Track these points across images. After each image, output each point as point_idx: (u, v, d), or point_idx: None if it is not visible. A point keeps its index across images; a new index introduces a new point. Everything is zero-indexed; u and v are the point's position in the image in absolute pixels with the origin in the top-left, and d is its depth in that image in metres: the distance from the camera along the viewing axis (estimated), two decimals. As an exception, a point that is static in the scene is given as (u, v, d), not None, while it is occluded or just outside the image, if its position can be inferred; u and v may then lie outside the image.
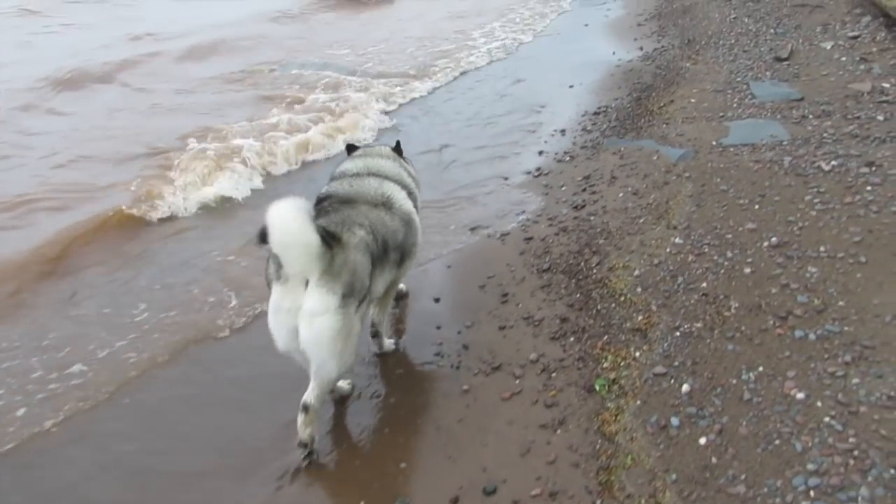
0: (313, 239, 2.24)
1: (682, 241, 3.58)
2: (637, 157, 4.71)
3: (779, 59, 6.03)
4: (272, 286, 2.44)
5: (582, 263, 3.61)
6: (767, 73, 5.81)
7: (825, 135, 4.49)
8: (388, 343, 3.22)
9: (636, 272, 3.42)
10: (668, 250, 3.54)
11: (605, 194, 4.30)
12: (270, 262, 2.45)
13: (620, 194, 4.24)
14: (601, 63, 6.99)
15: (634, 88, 6.10)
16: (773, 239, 3.42)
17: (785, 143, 4.49)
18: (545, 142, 5.39)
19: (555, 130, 5.54)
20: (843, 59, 5.76)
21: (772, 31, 6.91)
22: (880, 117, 4.59)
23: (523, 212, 4.35)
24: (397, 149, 3.25)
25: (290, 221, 2.20)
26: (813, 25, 6.80)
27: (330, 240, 2.34)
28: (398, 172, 3.04)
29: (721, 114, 5.18)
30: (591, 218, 4.05)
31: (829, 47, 6.13)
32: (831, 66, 5.68)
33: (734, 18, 7.54)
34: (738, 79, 5.80)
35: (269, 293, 2.46)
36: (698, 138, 4.79)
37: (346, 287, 2.39)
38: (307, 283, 2.36)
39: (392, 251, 2.75)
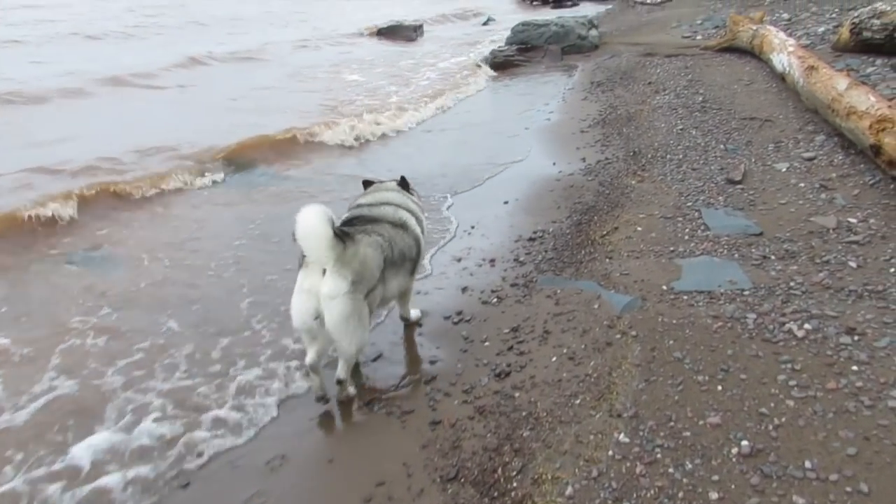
0: (327, 231, 2.84)
1: (628, 440, 2.77)
2: (576, 302, 3.96)
3: (731, 182, 5.47)
4: (298, 272, 3.03)
5: (499, 470, 2.76)
6: (720, 197, 5.22)
7: (792, 283, 3.82)
8: (415, 312, 4.02)
9: (567, 489, 2.58)
10: (610, 453, 2.72)
11: (536, 357, 3.50)
12: (299, 254, 3.01)
13: (554, 358, 3.45)
14: (540, 176, 6.36)
15: (575, 209, 5.43)
16: (744, 443, 2.65)
17: (746, 292, 3.81)
18: (471, 274, 4.62)
19: (483, 259, 4.79)
20: (802, 184, 5.23)
21: (721, 146, 6.42)
22: (852, 263, 3.97)
23: (433, 378, 3.50)
24: (403, 183, 3.88)
25: (310, 218, 2.82)
26: (764, 142, 6.34)
27: (343, 237, 2.95)
28: (406, 202, 3.69)
29: (671, 248, 4.50)
30: (517, 394, 3.22)
31: (784, 169, 5.61)
32: (789, 193, 5.12)
33: (681, 130, 7.07)
34: (689, 203, 5.19)
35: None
36: (646, 280, 4.08)
37: (355, 275, 2.97)
38: (324, 271, 2.93)
39: (407, 261, 3.46)
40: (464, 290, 4.39)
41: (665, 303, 3.81)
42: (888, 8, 8.36)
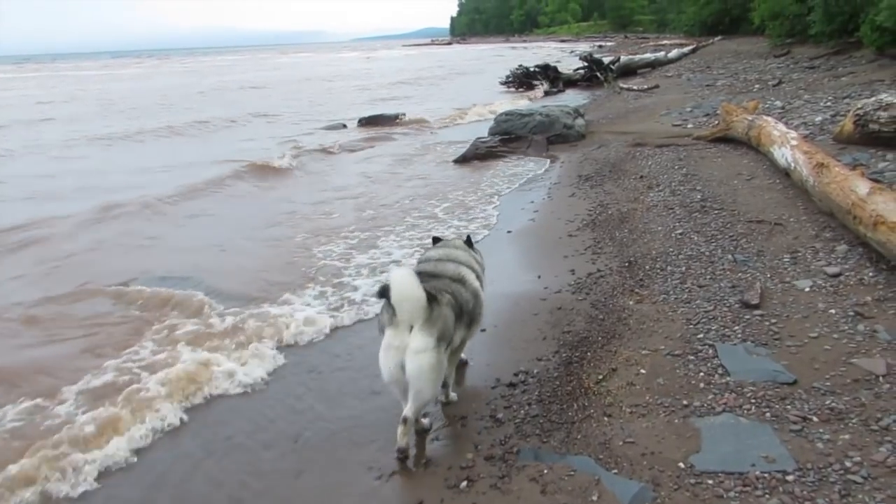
0: (423, 295, 3.21)
1: None
2: (568, 490, 3.04)
3: (748, 306, 4.64)
4: (385, 330, 3.33)
5: None
6: (737, 327, 4.38)
7: (849, 464, 2.94)
8: (453, 395, 3.99)
9: None
10: None
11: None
12: (384, 312, 3.37)
13: None
14: (524, 294, 5.52)
15: (564, 341, 4.57)
16: None
17: (790, 477, 2.92)
18: (437, 439, 3.69)
19: (452, 417, 3.87)
20: (832, 311, 4.40)
21: (729, 256, 5.64)
22: (921, 431, 3.08)
23: None
24: (468, 241, 4.24)
25: (408, 282, 3.21)
26: (778, 252, 5.56)
27: (431, 299, 3.29)
28: (468, 259, 3.99)
29: (685, 401, 3.63)
30: None
31: (807, 289, 4.80)
32: (819, 322, 4.29)
33: (681, 235, 6.31)
34: (700, 335, 4.35)
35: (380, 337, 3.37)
36: (657, 453, 3.19)
37: (440, 332, 3.32)
38: (411, 328, 3.25)
39: (465, 314, 3.64)
40: (426, 464, 3.45)
41: (685, 491, 2.90)
42: (894, 100, 7.79)
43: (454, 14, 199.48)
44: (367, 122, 17.58)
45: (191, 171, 11.73)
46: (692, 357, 4.09)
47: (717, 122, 11.61)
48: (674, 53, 30.68)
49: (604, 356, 4.29)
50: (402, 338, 3.27)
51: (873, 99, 8.18)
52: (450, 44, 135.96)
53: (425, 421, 3.72)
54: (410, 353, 3.24)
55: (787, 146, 7.63)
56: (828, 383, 3.60)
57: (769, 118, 9.27)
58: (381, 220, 8.32)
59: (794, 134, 7.97)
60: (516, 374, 4.20)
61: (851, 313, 4.31)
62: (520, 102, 20.49)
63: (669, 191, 7.99)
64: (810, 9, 21.35)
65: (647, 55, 30.17)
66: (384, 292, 3.23)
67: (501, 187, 9.86)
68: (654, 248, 6.14)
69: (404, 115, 18.08)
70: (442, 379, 3.50)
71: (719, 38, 40.62)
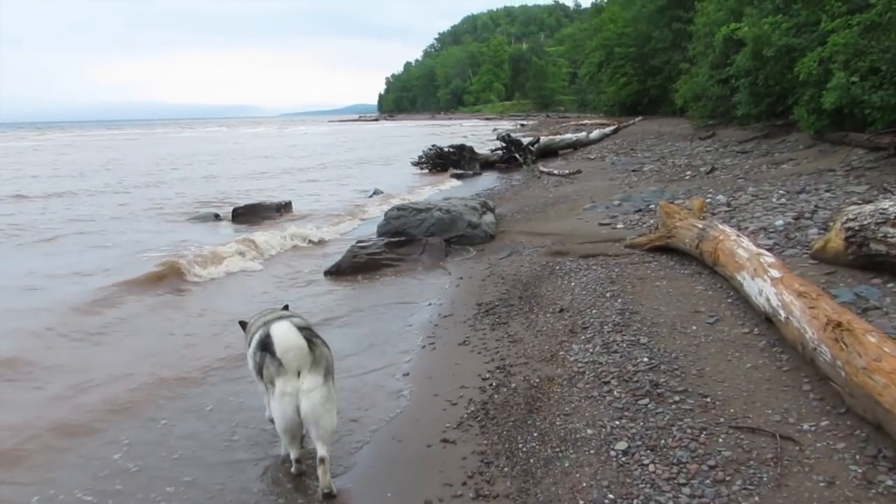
0: (304, 343, 3.52)
1: None
2: None
3: None
4: (275, 381, 3.55)
5: None
6: None
7: None
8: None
9: None
10: None
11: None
12: (269, 365, 3.59)
13: None
14: None
15: None
16: None
17: None
18: None
19: None
20: None
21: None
22: None
23: None
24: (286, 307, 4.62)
25: (289, 334, 3.49)
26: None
27: (310, 342, 3.58)
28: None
29: None
30: None
31: None
32: None
33: (626, 457, 3.69)
34: None
35: (269, 392, 3.65)
36: None
37: (325, 370, 3.64)
38: (299, 373, 3.52)
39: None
40: None
41: None
42: (906, 212, 5.52)
43: (382, 91, 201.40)
44: (242, 211, 14.69)
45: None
46: None
47: (652, 223, 9.32)
48: (595, 134, 29.31)
49: None
50: (293, 384, 3.53)
51: (870, 208, 5.91)
52: (377, 120, 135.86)
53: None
54: (304, 394, 3.51)
55: (764, 278, 5.22)
56: None
57: (726, 227, 6.93)
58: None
59: (770, 258, 5.59)
60: None
61: None
62: (423, 191, 18.11)
63: (601, 342, 5.41)
64: (733, 90, 20.08)
65: (569, 136, 28.68)
66: (267, 346, 3.54)
67: (369, 323, 7.09)
68: (582, 488, 3.44)
69: (288, 203, 15.33)
70: (335, 410, 3.69)
71: (640, 118, 40.04)
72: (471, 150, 23.93)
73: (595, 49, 51.30)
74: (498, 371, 5.22)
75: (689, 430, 3.84)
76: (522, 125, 56.80)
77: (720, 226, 7.02)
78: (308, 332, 3.74)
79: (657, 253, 8.00)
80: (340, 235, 11.85)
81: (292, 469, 3.83)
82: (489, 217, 11.14)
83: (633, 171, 16.67)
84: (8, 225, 13.50)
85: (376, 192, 17.92)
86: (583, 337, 5.65)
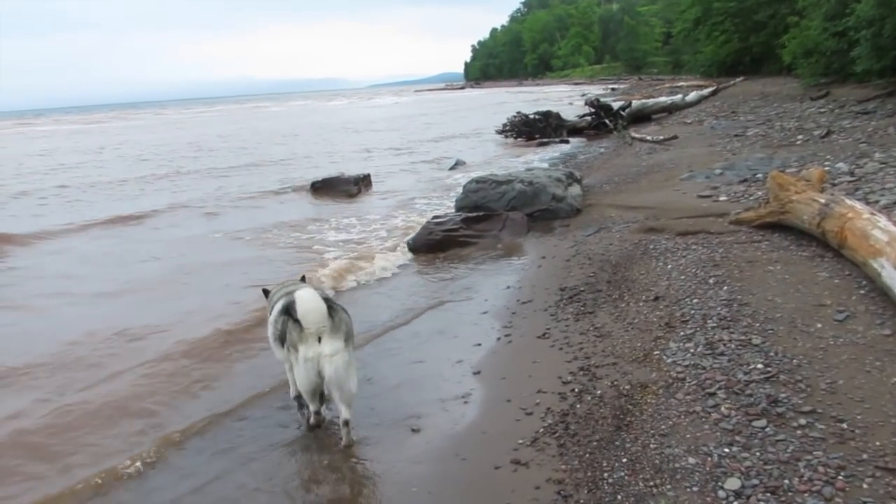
0: (325, 306, 3.66)
1: None
2: None
3: None
4: (297, 347, 3.71)
5: None
6: None
7: None
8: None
9: None
10: None
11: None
12: (291, 331, 3.74)
13: None
14: None
15: None
16: None
17: None
18: None
19: None
20: None
21: None
22: None
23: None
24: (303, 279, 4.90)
25: (310, 296, 3.64)
26: None
27: (330, 308, 3.73)
28: None
29: None
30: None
31: None
32: None
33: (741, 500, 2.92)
34: None
35: (292, 356, 3.79)
36: None
37: (345, 335, 3.77)
38: (320, 339, 3.65)
39: None
40: None
41: None
42: None
43: (468, 59, 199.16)
44: (320, 185, 14.45)
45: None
46: None
47: (761, 195, 8.26)
48: (692, 96, 27.43)
49: None
50: (315, 349, 3.66)
51: None
52: (462, 88, 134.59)
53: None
54: (326, 359, 3.65)
55: (914, 270, 4.25)
56: None
57: (856, 203, 5.89)
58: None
59: (919, 242, 4.59)
60: None
61: None
62: (506, 161, 17.30)
63: (704, 341, 4.61)
64: (852, 43, 18.10)
65: (663, 99, 27.00)
66: (288, 309, 3.74)
67: (439, 307, 6.51)
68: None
69: (366, 175, 14.92)
70: (356, 374, 3.84)
71: (741, 78, 37.36)
72: (557, 116, 22.84)
73: (691, 5, 48.10)
74: (581, 373, 4.52)
75: (821, 469, 3.05)
76: (613, 89, 54.53)
77: (848, 201, 5.98)
78: (328, 301, 3.87)
79: (768, 231, 7.01)
80: (418, 215, 11.22)
81: (311, 420, 4.10)
82: (575, 189, 10.31)
83: (736, 135, 15.27)
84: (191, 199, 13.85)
85: (458, 163, 17.29)
86: (682, 333, 4.86)
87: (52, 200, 14.76)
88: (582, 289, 6.31)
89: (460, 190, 10.91)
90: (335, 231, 10.28)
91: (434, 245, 8.66)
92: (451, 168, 16.91)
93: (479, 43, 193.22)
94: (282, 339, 3.95)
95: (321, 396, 4.04)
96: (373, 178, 15.11)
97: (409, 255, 8.51)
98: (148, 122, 57.45)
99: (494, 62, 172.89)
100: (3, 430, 4.45)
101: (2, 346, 6.04)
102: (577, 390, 4.27)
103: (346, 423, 3.84)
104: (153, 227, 11.42)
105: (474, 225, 9.06)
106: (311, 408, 4.05)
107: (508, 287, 6.86)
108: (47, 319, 6.86)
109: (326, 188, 14.32)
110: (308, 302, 3.61)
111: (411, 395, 4.58)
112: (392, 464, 3.77)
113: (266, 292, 4.62)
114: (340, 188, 14.20)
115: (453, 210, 10.29)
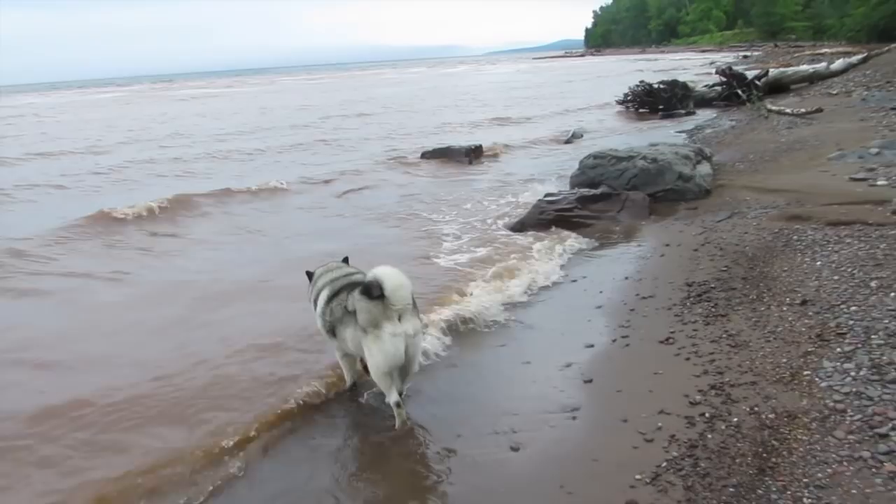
0: (409, 283, 3.56)
1: None
2: None
3: None
4: (381, 324, 3.54)
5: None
6: None
7: None
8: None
9: None
10: None
11: None
12: (371, 311, 3.55)
13: None
14: None
15: None
16: None
17: None
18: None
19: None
20: None
21: None
22: None
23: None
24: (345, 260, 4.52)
25: (397, 273, 3.52)
26: None
27: None
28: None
29: None
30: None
31: None
32: None
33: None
34: None
35: (370, 336, 3.58)
36: None
37: (419, 316, 3.78)
38: (399, 317, 3.55)
39: None
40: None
41: None
42: None
43: (589, 25, 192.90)
44: (431, 155, 14.10)
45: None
46: None
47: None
48: (838, 64, 24.84)
49: None
50: (399, 327, 3.56)
51: None
52: (582, 55, 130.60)
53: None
54: (410, 338, 3.60)
55: None
56: None
57: None
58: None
59: None
60: None
61: None
62: (626, 135, 16.25)
63: (869, 362, 3.82)
64: None
65: (804, 67, 24.62)
66: (373, 290, 3.51)
67: (548, 298, 5.94)
68: None
69: (478, 146, 14.41)
70: None
71: (896, 44, 33.67)
72: (684, 86, 21.36)
73: (841, -37, 43.95)
74: (713, 392, 3.86)
75: None
76: (745, 57, 50.84)
77: None
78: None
79: (942, 224, 5.93)
80: (529, 191, 10.58)
81: (395, 415, 3.83)
82: (704, 167, 9.36)
83: (893, 109, 13.53)
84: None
85: (574, 136, 16.45)
86: (838, 349, 4.07)
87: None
88: (713, 285, 5.55)
89: (576, 165, 10.18)
90: (444, 209, 9.83)
91: (545, 225, 8.07)
92: (567, 141, 16.10)
93: (602, 8, 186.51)
94: (333, 326, 3.94)
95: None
96: (485, 149, 14.59)
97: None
98: (282, 86, 59.27)
99: (617, 28, 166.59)
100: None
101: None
102: (707, 415, 3.62)
103: (401, 392, 3.86)
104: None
105: (590, 205, 8.37)
106: (391, 397, 3.77)
107: (627, 278, 6.19)
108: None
109: (437, 157, 13.97)
110: (395, 278, 3.51)
111: (513, 404, 4.08)
112: (489, 488, 3.30)
113: (309, 274, 4.43)
114: (453, 158, 13.82)
115: (567, 187, 9.60)
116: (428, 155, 14.10)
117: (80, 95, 65.42)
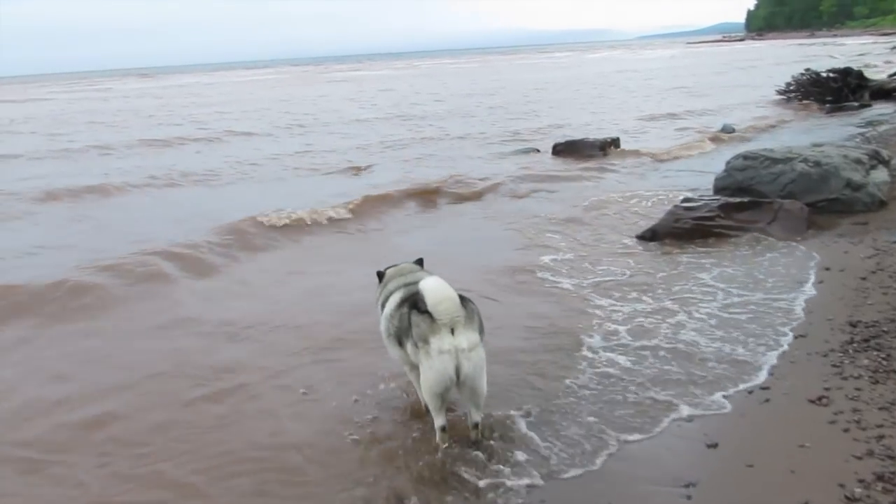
0: (456, 295, 3.27)
1: None
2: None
3: None
4: (428, 340, 3.26)
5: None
6: None
7: None
8: None
9: None
10: None
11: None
12: (416, 326, 3.33)
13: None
14: None
15: None
16: None
17: None
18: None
19: None
20: None
21: None
22: None
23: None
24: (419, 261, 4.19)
25: (439, 285, 3.29)
26: None
27: (461, 298, 3.32)
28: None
29: None
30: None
31: None
32: None
33: None
34: None
35: (421, 352, 3.31)
36: None
37: (479, 327, 3.41)
38: (452, 330, 3.23)
39: None
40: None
41: None
42: None
43: (751, 7, 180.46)
44: (562, 148, 13.35)
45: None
46: None
47: None
48: None
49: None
50: (450, 341, 3.24)
51: None
52: (742, 40, 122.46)
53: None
54: (463, 354, 3.23)
55: None
56: None
57: None
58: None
59: None
60: None
61: None
62: (785, 131, 14.59)
63: None
64: None
65: None
66: (420, 303, 3.30)
67: (668, 335, 5.10)
68: None
69: (616, 140, 13.47)
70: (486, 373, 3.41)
71: None
72: (858, 74, 19.06)
73: None
74: (880, 486, 2.97)
75: None
76: (936, 41, 45.21)
77: None
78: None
79: None
80: (666, 193, 9.56)
81: (438, 439, 3.48)
82: (880, 173, 7.99)
83: None
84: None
85: (725, 129, 14.98)
86: None
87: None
88: (885, 328, 4.51)
89: (722, 166, 9.05)
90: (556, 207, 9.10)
91: (681, 234, 7.13)
92: (715, 137, 14.66)
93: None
94: (399, 336, 3.59)
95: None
96: (622, 141, 13.64)
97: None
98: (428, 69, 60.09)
99: (783, 10, 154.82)
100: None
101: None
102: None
103: (477, 425, 3.51)
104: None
105: (735, 214, 7.31)
106: (438, 421, 3.45)
107: (767, 310, 5.21)
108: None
109: (569, 151, 13.22)
110: (437, 291, 3.26)
111: (619, 468, 3.36)
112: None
113: (381, 275, 4.11)
114: (584, 152, 12.99)
115: (710, 191, 8.54)
116: (559, 147, 13.44)
117: (235, 77, 69.60)
